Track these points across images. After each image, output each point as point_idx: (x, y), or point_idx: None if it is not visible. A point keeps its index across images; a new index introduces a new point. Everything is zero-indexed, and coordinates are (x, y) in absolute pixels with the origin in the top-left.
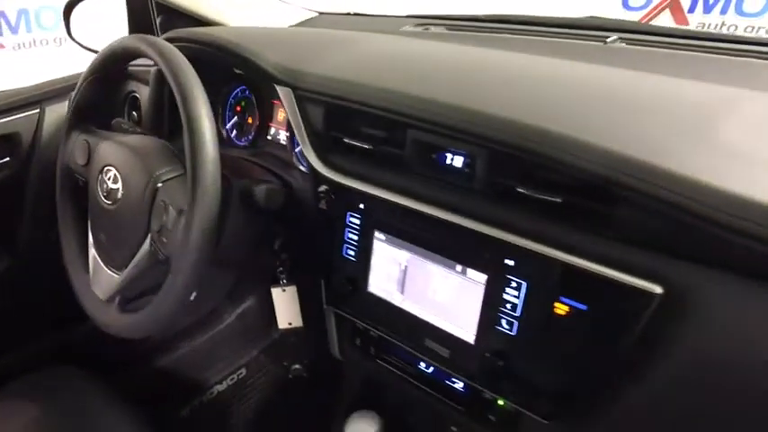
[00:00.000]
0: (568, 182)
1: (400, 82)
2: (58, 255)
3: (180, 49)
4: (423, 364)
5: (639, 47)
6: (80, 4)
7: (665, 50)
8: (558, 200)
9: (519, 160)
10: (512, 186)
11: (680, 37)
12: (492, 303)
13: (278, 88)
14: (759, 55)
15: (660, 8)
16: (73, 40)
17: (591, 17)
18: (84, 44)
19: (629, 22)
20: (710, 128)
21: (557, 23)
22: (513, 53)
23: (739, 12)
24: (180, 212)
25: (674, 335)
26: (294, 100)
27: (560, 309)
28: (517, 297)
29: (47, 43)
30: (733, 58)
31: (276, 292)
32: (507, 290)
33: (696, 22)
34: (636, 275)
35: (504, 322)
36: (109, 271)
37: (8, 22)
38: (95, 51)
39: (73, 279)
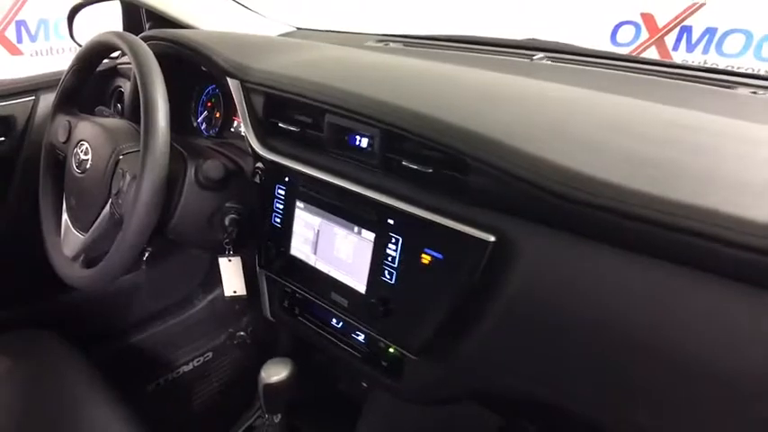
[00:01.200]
0: (437, 155)
1: (324, 77)
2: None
3: (151, 45)
4: (334, 320)
5: (561, 64)
6: (84, 11)
7: (583, 67)
8: (430, 170)
9: (405, 138)
10: (399, 161)
11: (603, 58)
12: (378, 257)
13: (228, 80)
14: (660, 73)
15: (647, 45)
16: (75, 42)
17: (531, 39)
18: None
19: (562, 44)
20: (562, 120)
21: (500, 43)
22: (433, 62)
23: (719, 52)
24: (134, 178)
25: (506, 278)
26: (241, 91)
27: (425, 258)
28: (395, 251)
29: (63, 51)
30: (633, 75)
31: (223, 262)
32: (389, 245)
33: (680, 59)
34: (477, 228)
35: (386, 272)
36: (76, 232)
37: (28, 31)
38: None
39: (46, 240)
